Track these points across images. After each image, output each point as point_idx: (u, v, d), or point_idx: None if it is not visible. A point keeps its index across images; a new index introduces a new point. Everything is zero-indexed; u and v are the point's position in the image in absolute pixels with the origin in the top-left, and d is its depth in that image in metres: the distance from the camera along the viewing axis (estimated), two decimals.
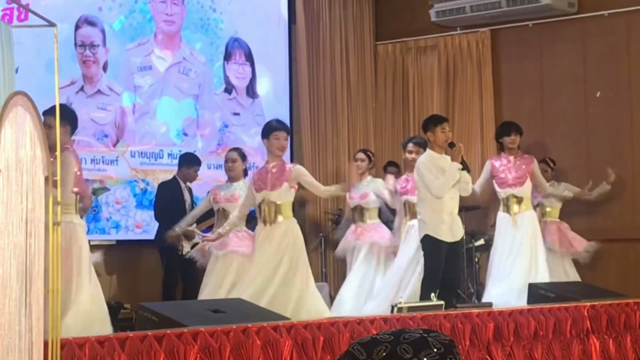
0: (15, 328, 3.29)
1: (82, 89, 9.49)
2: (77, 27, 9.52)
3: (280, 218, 7.50)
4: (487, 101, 11.18)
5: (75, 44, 9.49)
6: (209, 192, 9.05)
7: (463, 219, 8.33)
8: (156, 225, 9.60)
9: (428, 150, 8.22)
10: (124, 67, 9.86)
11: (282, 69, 11.32)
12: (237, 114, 10.78)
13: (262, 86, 11.10)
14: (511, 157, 9.17)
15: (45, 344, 3.51)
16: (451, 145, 8.00)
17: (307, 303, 7.29)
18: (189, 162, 9.54)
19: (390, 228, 9.52)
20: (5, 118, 3.30)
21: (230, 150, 9.16)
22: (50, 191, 3.51)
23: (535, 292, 8.14)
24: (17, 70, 7.08)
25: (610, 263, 10.33)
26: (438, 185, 7.91)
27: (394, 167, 10.51)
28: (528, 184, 9.13)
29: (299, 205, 9.21)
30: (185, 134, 10.27)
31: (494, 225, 9.28)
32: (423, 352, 2.04)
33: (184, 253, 9.23)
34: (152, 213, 9.66)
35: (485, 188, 9.24)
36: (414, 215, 8.94)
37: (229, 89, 10.76)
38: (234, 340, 5.06)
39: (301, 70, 11.14)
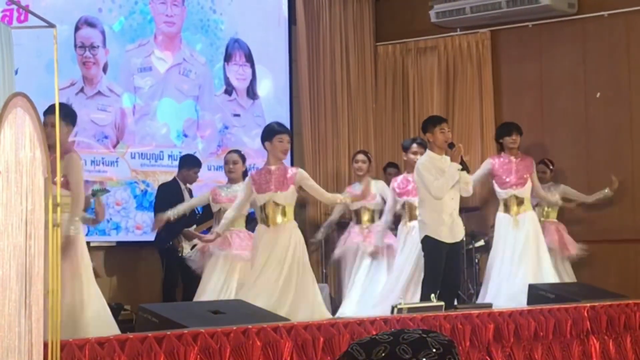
0: (15, 329, 3.29)
1: (82, 90, 9.49)
2: (77, 28, 9.52)
3: (284, 220, 7.52)
4: (487, 102, 11.18)
5: (75, 45, 9.49)
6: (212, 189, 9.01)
7: (463, 220, 8.32)
8: None
9: (427, 151, 8.23)
10: (124, 69, 9.86)
11: (282, 70, 11.32)
12: (237, 115, 10.78)
13: (263, 87, 11.10)
14: (512, 158, 9.16)
15: (45, 345, 3.51)
16: (451, 145, 8.01)
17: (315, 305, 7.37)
18: (189, 163, 9.54)
19: (390, 229, 9.51)
20: (4, 119, 3.30)
21: (230, 152, 9.17)
22: (49, 192, 3.51)
23: (535, 293, 8.14)
24: (16, 72, 7.09)
25: (611, 264, 10.33)
26: (437, 186, 7.91)
27: (394, 168, 10.52)
28: (529, 184, 9.14)
29: (299, 207, 9.21)
30: (186, 135, 10.27)
31: (493, 226, 9.27)
32: (422, 352, 2.04)
33: (183, 254, 9.24)
34: (152, 214, 9.65)
35: (478, 185, 9.18)
36: (412, 216, 8.94)
37: (229, 90, 10.77)
38: (234, 342, 5.06)
39: (301, 71, 11.14)
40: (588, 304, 7.43)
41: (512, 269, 8.81)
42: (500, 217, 9.08)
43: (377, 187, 9.68)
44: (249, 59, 10.97)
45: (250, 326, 5.21)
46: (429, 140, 8.17)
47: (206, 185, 9.83)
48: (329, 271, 10.69)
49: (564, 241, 9.98)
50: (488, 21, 11.11)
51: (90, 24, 9.62)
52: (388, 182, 9.61)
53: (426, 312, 6.46)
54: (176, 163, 9.73)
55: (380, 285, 9.25)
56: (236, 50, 10.87)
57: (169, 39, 10.26)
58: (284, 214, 7.52)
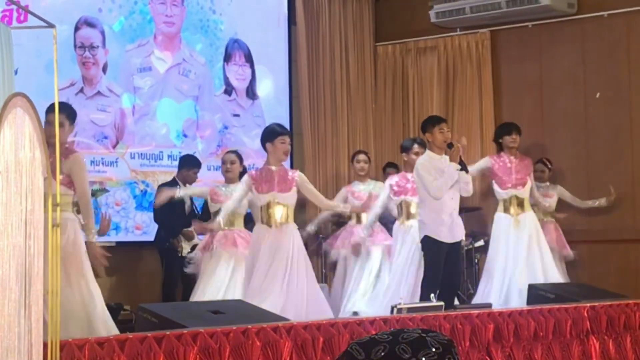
0: (14, 329, 3.29)
1: (81, 90, 9.49)
2: (76, 29, 9.52)
3: (288, 221, 7.53)
4: (487, 102, 11.18)
5: (75, 45, 9.49)
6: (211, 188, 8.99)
7: (463, 220, 8.32)
8: (156, 226, 9.60)
9: (427, 151, 8.23)
10: (123, 69, 9.86)
11: (282, 70, 11.32)
12: (237, 115, 10.78)
13: (262, 87, 11.10)
14: (512, 158, 9.15)
15: (45, 345, 3.51)
16: (450, 145, 8.01)
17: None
18: (189, 163, 9.53)
19: (390, 229, 9.51)
20: (4, 119, 3.30)
21: (227, 152, 9.18)
22: (49, 192, 3.51)
23: (535, 292, 8.13)
24: (16, 72, 7.09)
25: (610, 264, 10.34)
26: (436, 186, 7.91)
27: (394, 168, 10.51)
28: (529, 185, 9.14)
29: (299, 207, 9.21)
30: (185, 136, 10.27)
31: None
32: (421, 352, 2.04)
33: (183, 254, 9.24)
34: (151, 215, 9.66)
35: (475, 178, 9.13)
36: (410, 216, 8.94)
37: (228, 90, 10.77)
38: (233, 341, 5.06)
39: (301, 72, 11.14)
40: (588, 304, 7.43)
41: (519, 269, 8.78)
42: (500, 217, 9.05)
43: (377, 188, 9.69)
44: (249, 59, 10.97)
45: (249, 326, 5.21)
46: (428, 140, 8.18)
47: (205, 185, 9.83)
48: (328, 271, 10.68)
49: (562, 240, 10.00)
50: (488, 21, 11.11)
51: (90, 24, 9.62)
52: None
53: (426, 312, 6.46)
54: (176, 163, 9.73)
55: (383, 282, 9.26)
56: (236, 50, 10.87)
57: (168, 39, 10.26)
58: (286, 214, 7.54)
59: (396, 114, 11.77)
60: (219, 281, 8.37)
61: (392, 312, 6.53)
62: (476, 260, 10.31)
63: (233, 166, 8.75)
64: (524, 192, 9.07)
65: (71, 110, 6.99)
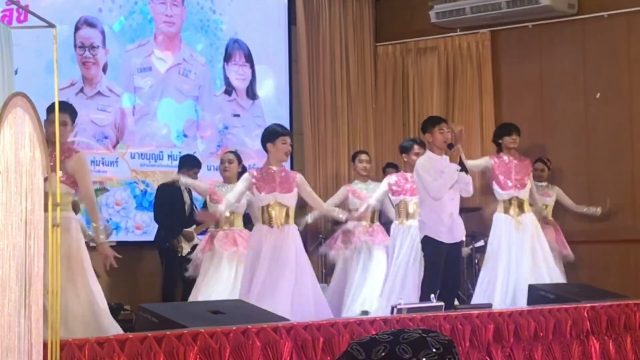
0: (14, 329, 3.29)
1: (81, 90, 9.50)
2: (76, 29, 9.52)
3: (289, 221, 7.53)
4: (487, 102, 11.18)
5: (75, 45, 9.50)
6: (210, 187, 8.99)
7: (463, 221, 8.31)
8: (156, 226, 9.60)
9: (427, 152, 8.23)
10: (124, 69, 9.86)
11: (282, 70, 11.32)
12: (237, 115, 10.78)
13: (262, 87, 11.10)
14: (512, 158, 9.14)
15: (45, 345, 3.50)
16: (450, 146, 8.00)
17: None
18: (189, 163, 9.53)
19: (388, 230, 9.52)
20: (4, 119, 3.29)
21: (226, 152, 9.19)
22: (50, 192, 3.51)
23: (535, 293, 8.13)
24: (16, 72, 7.09)
25: (611, 264, 10.34)
26: (436, 186, 7.91)
27: (393, 169, 10.51)
28: (529, 185, 9.13)
29: (299, 208, 9.21)
30: (186, 136, 10.27)
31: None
32: (422, 352, 2.04)
33: (183, 254, 9.24)
34: (152, 214, 9.67)
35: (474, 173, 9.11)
36: (409, 215, 8.94)
37: (229, 90, 10.77)
38: (233, 341, 5.05)
39: (301, 72, 11.14)
40: (588, 304, 7.42)
41: (525, 271, 8.77)
42: (501, 218, 9.02)
43: (372, 187, 9.68)
44: (249, 59, 10.97)
45: (250, 326, 5.21)
46: (428, 140, 8.17)
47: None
48: (328, 271, 10.68)
49: (562, 240, 10.00)
50: (488, 21, 11.12)
51: (90, 24, 9.62)
52: None
53: (426, 313, 6.45)
54: (176, 163, 9.73)
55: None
56: (236, 50, 10.88)
57: (169, 39, 10.26)
58: (287, 215, 7.54)
59: (396, 114, 11.77)
60: (225, 281, 8.37)
61: (392, 312, 6.53)
62: (476, 261, 10.31)
63: (231, 165, 8.75)
64: (524, 193, 9.06)
65: (73, 110, 7.03)
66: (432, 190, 7.92)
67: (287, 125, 9.78)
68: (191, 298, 8.45)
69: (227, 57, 10.79)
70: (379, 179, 10.09)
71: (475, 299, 8.80)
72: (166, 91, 10.15)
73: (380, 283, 9.18)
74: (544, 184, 10.16)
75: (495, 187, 9.08)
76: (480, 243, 10.25)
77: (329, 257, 10.01)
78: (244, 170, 8.76)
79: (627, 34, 10.45)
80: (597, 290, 8.59)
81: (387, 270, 9.09)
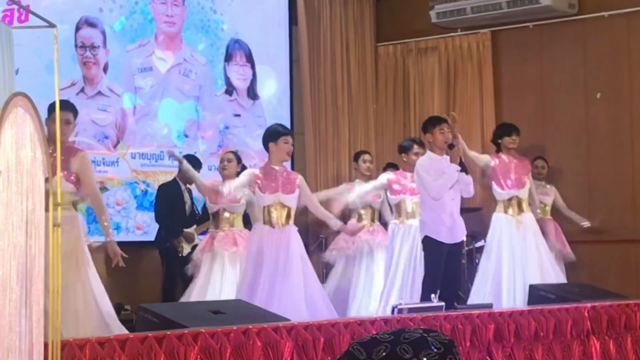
0: (15, 329, 3.30)
1: (82, 90, 9.50)
2: (77, 29, 9.53)
3: (289, 222, 7.53)
4: (488, 102, 11.18)
5: (76, 45, 9.50)
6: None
7: (464, 220, 8.32)
8: (157, 226, 9.60)
9: (427, 152, 8.23)
10: (124, 69, 9.86)
11: (283, 70, 11.32)
12: (237, 115, 10.78)
13: (263, 88, 11.10)
14: (511, 158, 9.15)
15: (46, 345, 3.51)
16: (451, 146, 8.00)
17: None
18: (190, 163, 9.52)
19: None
20: (5, 119, 3.30)
21: (226, 152, 9.19)
22: (50, 191, 3.51)
23: (536, 293, 8.13)
24: (17, 72, 7.09)
25: (611, 264, 10.33)
26: (436, 186, 7.91)
27: (394, 169, 10.51)
28: (528, 185, 9.13)
29: (299, 209, 9.22)
30: (187, 136, 10.27)
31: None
32: (423, 352, 2.04)
33: (184, 255, 9.24)
34: (152, 215, 9.67)
35: (473, 163, 9.08)
36: (408, 215, 8.94)
37: (229, 90, 10.77)
38: (234, 342, 5.06)
39: (303, 72, 11.14)
40: (589, 304, 7.42)
41: (534, 269, 8.77)
42: (500, 217, 9.01)
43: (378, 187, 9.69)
44: (250, 59, 10.97)
45: (250, 326, 5.21)
46: (429, 140, 8.17)
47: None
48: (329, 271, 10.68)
49: (562, 239, 9.99)
50: (489, 21, 11.11)
51: (91, 24, 9.62)
52: None
53: (426, 312, 6.46)
54: (176, 163, 9.72)
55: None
56: (236, 50, 10.88)
57: (169, 39, 10.26)
58: (288, 216, 7.54)
59: (397, 114, 11.78)
60: (225, 282, 8.36)
61: (392, 312, 6.53)
62: (477, 261, 10.30)
63: (230, 164, 8.75)
64: (523, 192, 9.06)
65: (74, 108, 7.09)
66: (432, 190, 7.92)
67: (288, 126, 9.79)
68: (185, 298, 8.43)
69: (228, 57, 10.79)
70: (381, 189, 10.08)
71: (473, 298, 8.78)
72: (167, 91, 10.15)
73: (381, 283, 9.19)
74: (542, 183, 10.15)
75: (495, 187, 9.08)
76: (481, 243, 10.24)
77: (330, 258, 10.01)
78: (243, 169, 8.75)
79: (628, 34, 10.45)
80: (597, 290, 8.59)
81: (387, 270, 9.09)
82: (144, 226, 9.90)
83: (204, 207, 9.24)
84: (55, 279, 3.56)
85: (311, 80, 11.17)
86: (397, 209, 9.16)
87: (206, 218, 9.08)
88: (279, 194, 7.49)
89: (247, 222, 8.60)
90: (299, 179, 7.70)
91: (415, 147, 9.05)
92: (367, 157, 10.01)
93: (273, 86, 11.21)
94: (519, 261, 8.79)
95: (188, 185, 9.52)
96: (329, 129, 11.25)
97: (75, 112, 7.02)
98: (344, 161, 11.20)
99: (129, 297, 9.42)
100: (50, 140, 4.06)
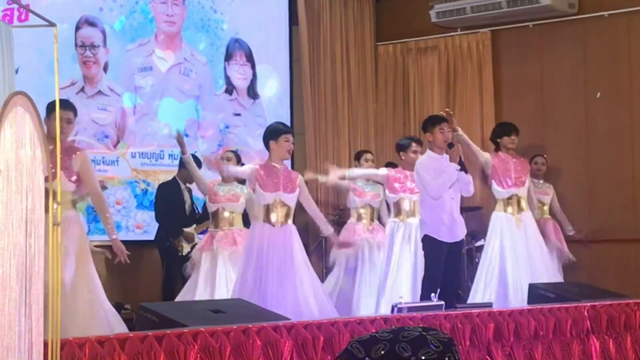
0: (14, 328, 3.29)
1: (82, 89, 9.51)
2: (77, 28, 9.53)
3: (289, 221, 7.53)
4: (488, 102, 11.18)
5: (76, 45, 9.50)
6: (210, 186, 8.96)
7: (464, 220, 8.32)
8: (156, 226, 9.60)
9: (427, 151, 8.23)
10: (124, 68, 9.87)
11: (283, 70, 11.32)
12: (237, 114, 10.79)
13: (263, 87, 11.10)
14: (510, 157, 9.15)
15: (45, 344, 3.51)
16: (450, 145, 8.01)
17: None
18: None
19: None
20: (5, 118, 3.30)
21: (226, 151, 9.19)
22: (50, 189, 3.51)
23: (536, 292, 8.13)
24: (17, 71, 7.10)
25: (611, 263, 10.33)
26: (435, 186, 7.91)
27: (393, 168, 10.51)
28: (527, 184, 9.14)
29: (300, 208, 9.22)
30: (187, 135, 10.27)
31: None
32: (422, 350, 2.04)
33: (183, 254, 9.24)
34: (152, 214, 9.67)
35: (469, 154, 9.06)
36: (408, 213, 8.94)
37: (229, 89, 10.77)
38: (234, 341, 5.06)
39: (303, 72, 11.14)
40: (588, 304, 7.42)
41: (540, 267, 8.78)
42: (500, 216, 9.01)
43: (377, 188, 9.69)
44: (250, 58, 10.97)
45: (250, 325, 5.21)
46: (429, 140, 8.17)
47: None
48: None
49: (561, 238, 9.99)
50: (488, 21, 11.11)
51: (91, 23, 9.62)
52: None
53: (426, 312, 6.46)
54: (177, 162, 9.73)
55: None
56: (236, 50, 10.88)
57: (169, 38, 10.26)
58: (288, 215, 7.54)
59: (397, 114, 11.78)
60: (224, 282, 8.36)
61: (392, 311, 6.53)
62: (477, 260, 10.30)
63: (229, 163, 8.74)
64: (523, 191, 9.07)
65: (74, 107, 7.09)
66: (431, 189, 7.92)
67: (288, 125, 9.78)
68: (182, 296, 8.42)
69: (228, 57, 10.80)
70: (379, 180, 10.09)
71: (473, 297, 8.77)
72: (167, 91, 10.15)
73: (381, 282, 9.19)
74: (541, 181, 10.15)
75: (495, 186, 9.07)
76: (481, 242, 10.24)
77: (330, 256, 10.00)
78: None
79: (628, 34, 10.45)
80: (597, 290, 8.59)
81: (387, 268, 9.09)
82: (144, 225, 9.90)
83: (204, 207, 9.24)
84: (54, 278, 3.56)
85: (311, 79, 11.17)
86: (396, 207, 9.16)
87: (206, 217, 9.08)
88: (280, 192, 7.49)
89: (247, 222, 8.59)
90: (300, 178, 7.71)
91: (413, 145, 9.04)
92: (369, 156, 10.02)
93: (273, 86, 11.21)
94: (521, 259, 8.79)
95: (188, 185, 9.52)
96: (328, 128, 11.25)
97: (75, 111, 7.04)
98: (343, 160, 11.20)
99: (128, 296, 9.43)
100: (50, 139, 4.06)
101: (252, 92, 10.97)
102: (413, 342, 2.06)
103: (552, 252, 9.52)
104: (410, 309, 6.53)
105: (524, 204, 9.04)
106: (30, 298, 3.35)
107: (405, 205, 9.08)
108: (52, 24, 4.14)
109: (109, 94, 9.69)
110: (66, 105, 6.87)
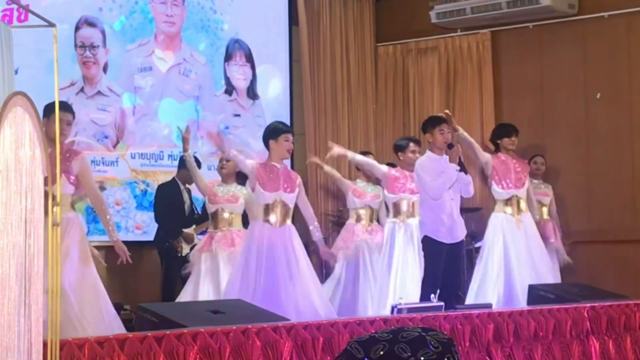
0: (14, 328, 3.29)
1: (82, 90, 9.50)
2: (77, 28, 9.53)
3: (288, 221, 7.53)
4: (487, 103, 11.18)
5: (75, 45, 9.50)
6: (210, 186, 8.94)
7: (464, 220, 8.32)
8: (156, 226, 9.60)
9: (427, 152, 8.23)
10: (124, 68, 9.87)
11: (283, 70, 11.32)
12: (237, 115, 10.78)
13: (263, 88, 11.10)
14: (510, 158, 9.15)
15: (45, 344, 3.51)
16: (450, 146, 8.01)
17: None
18: None
19: None
20: (4, 118, 3.30)
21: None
22: (50, 191, 3.51)
23: (535, 293, 8.13)
24: (17, 71, 7.10)
25: (610, 264, 10.33)
26: (435, 186, 7.91)
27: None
28: (527, 185, 9.13)
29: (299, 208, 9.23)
30: None
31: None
32: (421, 351, 2.03)
33: (183, 254, 9.24)
34: (152, 214, 9.67)
35: (469, 151, 9.05)
36: (407, 214, 8.93)
37: (229, 90, 10.77)
38: (233, 341, 5.05)
39: (303, 72, 11.13)
40: (588, 304, 7.42)
41: (544, 268, 8.78)
42: (500, 217, 9.00)
43: (377, 189, 9.69)
44: (249, 59, 10.97)
45: (249, 326, 5.21)
46: (429, 141, 8.17)
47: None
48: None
49: (559, 240, 9.99)
50: (488, 22, 11.11)
51: (91, 23, 9.62)
52: None
53: (426, 312, 6.45)
54: (176, 163, 9.73)
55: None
56: (236, 50, 10.88)
57: (169, 38, 10.26)
58: (288, 215, 7.54)
59: (397, 115, 11.77)
60: (223, 282, 8.35)
61: (392, 312, 6.53)
62: (476, 261, 10.29)
63: (228, 164, 8.73)
64: (522, 192, 9.07)
65: (72, 109, 7.08)
66: (431, 190, 7.92)
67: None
68: (180, 297, 8.42)
69: (228, 57, 10.79)
70: (379, 182, 10.09)
71: (471, 298, 8.76)
72: (167, 91, 10.15)
73: (381, 282, 9.18)
74: (540, 181, 10.14)
75: (495, 186, 9.06)
76: (481, 243, 10.23)
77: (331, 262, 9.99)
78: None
79: (627, 35, 10.45)
80: (597, 290, 8.59)
81: (389, 269, 9.08)
82: (143, 226, 9.90)
83: (203, 207, 9.24)
84: (54, 278, 3.56)
85: (311, 80, 11.17)
86: (395, 207, 9.14)
87: (205, 218, 9.07)
88: (280, 192, 7.48)
89: (246, 222, 8.58)
90: (299, 179, 7.71)
91: (411, 145, 9.02)
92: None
93: (273, 86, 11.21)
94: (523, 260, 8.78)
95: (187, 185, 9.52)
96: (328, 128, 11.24)
97: (73, 113, 7.04)
98: (343, 161, 11.16)
99: (128, 296, 9.42)
100: (49, 141, 4.06)
101: (251, 93, 10.97)
102: (412, 342, 2.06)
103: (551, 253, 9.51)
104: (409, 310, 6.53)
105: (523, 205, 9.04)
106: (30, 298, 3.35)
107: (404, 206, 9.06)
108: (51, 24, 4.14)
109: (109, 94, 9.69)
110: (65, 107, 6.87)
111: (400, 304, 6.62)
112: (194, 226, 9.48)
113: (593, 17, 10.59)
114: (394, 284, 8.85)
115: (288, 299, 7.17)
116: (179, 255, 9.27)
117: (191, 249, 9.16)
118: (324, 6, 11.37)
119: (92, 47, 9.61)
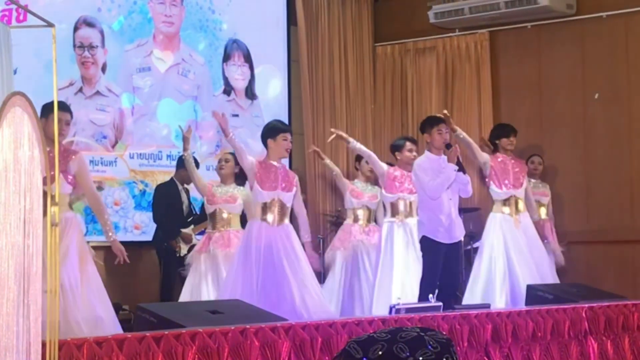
0: (13, 329, 3.29)
1: (80, 90, 9.50)
2: (75, 28, 9.53)
3: (285, 220, 7.53)
4: (486, 103, 11.18)
5: (74, 45, 9.50)
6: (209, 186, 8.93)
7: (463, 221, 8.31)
8: (155, 226, 9.60)
9: (425, 152, 8.24)
10: (123, 68, 9.86)
11: (281, 70, 11.32)
12: (236, 115, 10.78)
13: (261, 88, 11.10)
14: (508, 158, 9.16)
15: (43, 344, 3.51)
16: (448, 146, 8.01)
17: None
18: None
19: None
20: (3, 118, 3.30)
21: (224, 152, 9.19)
22: (49, 191, 3.51)
23: (534, 293, 8.13)
24: (15, 71, 7.10)
25: (609, 264, 10.33)
26: (433, 186, 7.91)
27: None
28: (525, 185, 9.14)
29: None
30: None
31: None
32: (419, 351, 2.04)
33: (181, 255, 9.24)
34: (150, 214, 9.66)
35: (467, 151, 9.05)
36: (406, 213, 8.93)
37: (228, 90, 10.77)
38: (232, 341, 5.06)
39: (302, 72, 11.13)
40: (586, 305, 7.43)
41: (545, 268, 8.78)
42: (498, 217, 9.00)
43: (375, 190, 9.69)
44: (248, 59, 10.97)
45: (248, 326, 5.21)
46: (427, 141, 8.18)
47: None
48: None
49: (556, 241, 9.98)
50: (487, 22, 11.11)
51: (89, 23, 9.62)
52: None
53: (424, 313, 6.46)
54: (175, 163, 9.72)
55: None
56: (235, 50, 10.88)
57: (168, 39, 10.26)
58: (286, 214, 7.54)
59: (395, 115, 11.77)
60: (221, 282, 8.35)
61: (390, 312, 6.53)
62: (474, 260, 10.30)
63: (227, 164, 8.73)
64: (520, 192, 9.07)
65: (70, 109, 7.09)
66: (429, 190, 7.92)
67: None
68: (182, 298, 8.43)
69: (226, 57, 10.79)
70: (377, 182, 10.09)
71: (467, 298, 8.75)
72: (165, 91, 10.15)
73: (380, 282, 9.17)
74: (539, 181, 10.14)
75: (493, 187, 9.07)
76: (479, 243, 10.24)
77: (327, 257, 9.99)
78: (241, 170, 8.74)
79: (626, 35, 10.46)
80: (595, 291, 8.59)
81: (390, 270, 9.09)
82: (142, 226, 9.90)
83: (202, 207, 9.24)
84: (53, 279, 3.56)
85: (310, 80, 11.17)
86: (393, 207, 9.13)
87: (204, 218, 9.07)
88: (278, 191, 7.49)
89: (245, 223, 8.58)
90: (296, 178, 7.72)
91: (408, 144, 9.03)
92: None
93: (271, 86, 11.21)
94: (524, 261, 8.78)
95: (185, 185, 9.52)
96: (327, 129, 11.23)
97: (71, 113, 7.06)
98: (342, 161, 11.19)
99: (127, 296, 9.42)
100: (48, 141, 4.06)
101: (250, 93, 10.97)
102: (411, 342, 2.06)
103: (550, 253, 9.51)
104: (408, 310, 6.53)
105: (521, 205, 9.05)
106: (28, 298, 3.35)
107: (402, 206, 9.06)
108: (50, 25, 4.14)
109: (107, 94, 9.69)
110: (62, 106, 6.87)
111: (398, 304, 6.63)
112: (192, 226, 9.47)
113: (591, 17, 10.59)
114: (395, 284, 8.85)
115: (286, 299, 7.17)
116: (178, 255, 9.27)
117: (189, 249, 9.16)
118: (322, 6, 11.37)
119: (91, 47, 9.61)
